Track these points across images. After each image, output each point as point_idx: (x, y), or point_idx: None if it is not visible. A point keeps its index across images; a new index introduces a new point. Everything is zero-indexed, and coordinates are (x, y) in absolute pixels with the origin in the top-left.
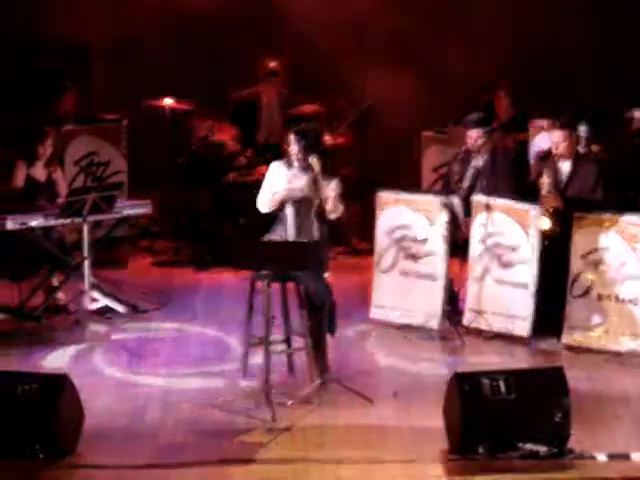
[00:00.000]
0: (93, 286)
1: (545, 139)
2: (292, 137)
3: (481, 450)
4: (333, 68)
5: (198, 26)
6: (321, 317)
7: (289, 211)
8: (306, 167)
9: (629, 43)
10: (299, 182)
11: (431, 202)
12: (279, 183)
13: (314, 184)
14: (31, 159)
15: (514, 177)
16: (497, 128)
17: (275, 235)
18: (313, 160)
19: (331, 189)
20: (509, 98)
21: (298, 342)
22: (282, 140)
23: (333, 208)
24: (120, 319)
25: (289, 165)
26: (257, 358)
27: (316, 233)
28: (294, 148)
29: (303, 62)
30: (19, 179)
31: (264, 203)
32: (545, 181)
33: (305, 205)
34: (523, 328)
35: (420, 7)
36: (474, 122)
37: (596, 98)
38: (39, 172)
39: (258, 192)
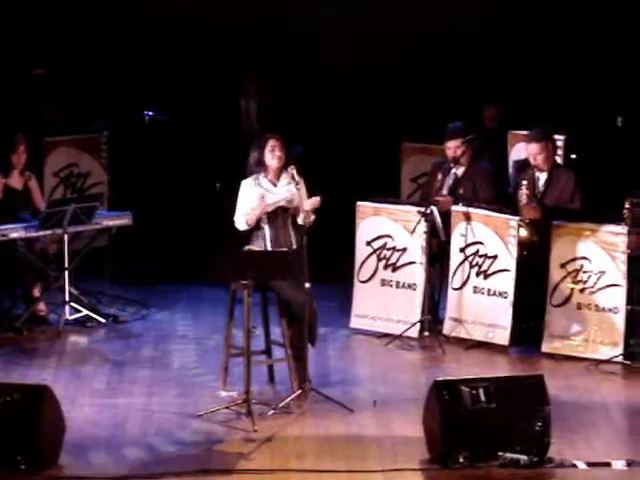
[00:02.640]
0: (73, 297)
1: (523, 149)
2: (279, 144)
3: (461, 459)
4: None
5: None
6: (301, 327)
7: (265, 223)
8: (277, 178)
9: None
10: (273, 197)
11: (410, 212)
12: (253, 200)
13: (291, 195)
14: (6, 169)
15: (494, 186)
16: (480, 137)
17: (254, 247)
18: (293, 170)
19: (307, 204)
20: (496, 107)
21: (279, 352)
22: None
23: (306, 220)
24: (101, 330)
25: (259, 181)
26: (238, 368)
27: (294, 243)
28: (281, 155)
29: None
30: None
31: (241, 221)
32: (523, 192)
33: (281, 216)
34: (503, 337)
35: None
36: (453, 132)
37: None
38: (15, 181)
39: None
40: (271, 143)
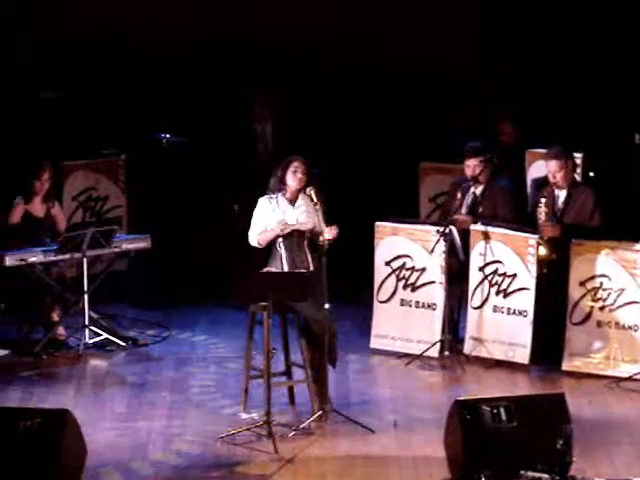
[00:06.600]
0: (93, 320)
1: (542, 167)
2: (302, 166)
3: (483, 479)
4: None
5: None
6: (321, 348)
7: (281, 246)
8: (295, 199)
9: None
10: (290, 217)
11: (429, 232)
12: (270, 218)
13: (307, 216)
14: (28, 195)
15: (513, 205)
16: (500, 153)
17: (271, 269)
18: (312, 192)
19: (326, 233)
20: (512, 122)
21: (299, 373)
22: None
23: (322, 242)
24: (120, 353)
25: (277, 200)
26: (258, 390)
27: (311, 264)
28: (302, 178)
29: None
30: (16, 216)
31: (254, 239)
32: (542, 210)
33: (297, 238)
34: (523, 355)
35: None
36: (472, 151)
37: (602, 123)
38: (37, 208)
39: None
40: (295, 164)
